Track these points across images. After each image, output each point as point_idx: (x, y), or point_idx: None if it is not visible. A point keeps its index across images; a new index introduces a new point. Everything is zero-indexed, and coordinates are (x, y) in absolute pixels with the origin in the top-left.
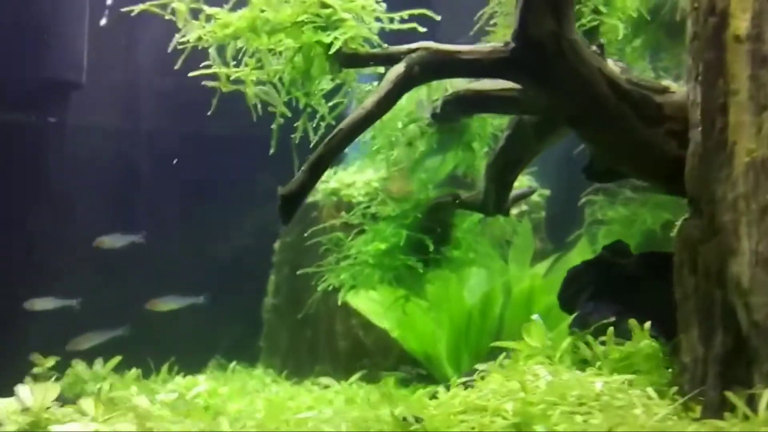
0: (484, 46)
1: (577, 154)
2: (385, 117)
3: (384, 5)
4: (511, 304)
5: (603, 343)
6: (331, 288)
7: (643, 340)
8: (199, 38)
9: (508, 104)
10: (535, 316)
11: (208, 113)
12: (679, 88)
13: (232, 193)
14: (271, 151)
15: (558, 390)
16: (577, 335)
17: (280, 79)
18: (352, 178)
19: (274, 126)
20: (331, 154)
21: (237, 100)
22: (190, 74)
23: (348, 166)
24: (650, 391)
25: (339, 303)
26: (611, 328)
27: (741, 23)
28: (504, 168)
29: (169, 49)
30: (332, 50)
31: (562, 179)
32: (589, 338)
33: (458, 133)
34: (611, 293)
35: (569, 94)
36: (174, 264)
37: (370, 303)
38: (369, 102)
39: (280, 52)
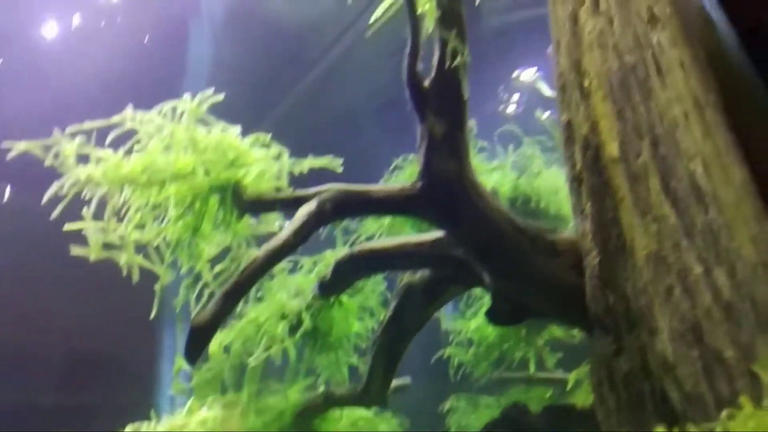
0: (393, 185)
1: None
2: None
3: (287, 151)
4: None
5: None
6: None
7: None
8: (89, 179)
9: (405, 259)
10: None
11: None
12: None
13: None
14: (152, 315)
15: None
16: None
17: (163, 240)
18: (184, 420)
19: (157, 287)
20: (248, 283)
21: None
22: (66, 227)
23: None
24: None
25: None
26: None
27: (613, 148)
28: (392, 342)
29: (45, 199)
30: (246, 180)
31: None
32: None
33: (322, 335)
34: None
35: (473, 227)
36: None
37: None
38: (285, 232)
39: (166, 210)
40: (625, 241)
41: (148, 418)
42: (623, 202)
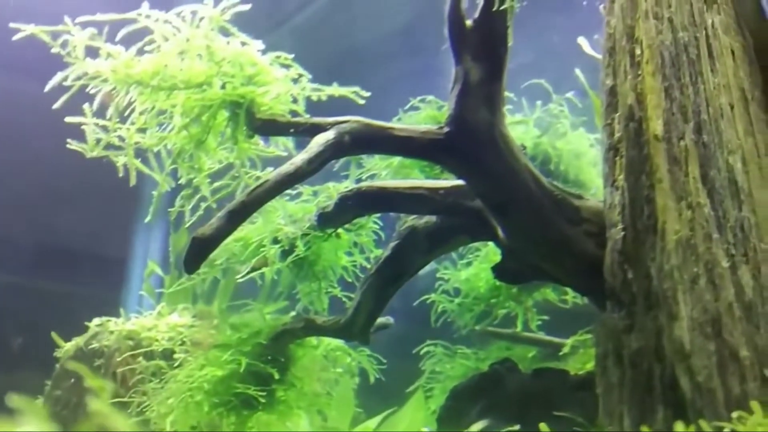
0: (418, 127)
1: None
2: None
3: (309, 76)
4: None
5: None
6: None
7: None
8: (97, 74)
9: (415, 203)
10: (426, 428)
11: None
12: (590, 197)
13: None
14: (148, 218)
15: None
16: None
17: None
18: (153, 322)
19: (155, 193)
20: (255, 204)
21: None
22: (67, 120)
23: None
24: None
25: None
26: None
27: (657, 126)
28: (385, 282)
29: (48, 87)
30: (262, 99)
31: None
32: None
33: (308, 264)
34: (505, 408)
35: (498, 181)
36: None
37: None
38: (299, 159)
39: (171, 117)
40: (656, 221)
41: (116, 314)
42: (660, 183)
